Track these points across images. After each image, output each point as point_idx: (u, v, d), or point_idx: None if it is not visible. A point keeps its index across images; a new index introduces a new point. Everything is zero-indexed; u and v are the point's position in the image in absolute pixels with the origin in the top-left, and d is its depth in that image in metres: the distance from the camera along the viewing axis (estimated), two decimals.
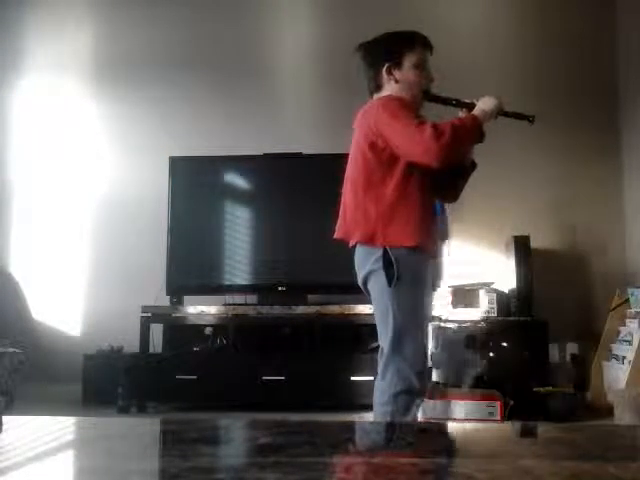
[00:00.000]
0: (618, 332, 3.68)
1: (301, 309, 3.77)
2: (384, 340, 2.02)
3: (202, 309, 3.88)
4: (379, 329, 2.05)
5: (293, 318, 3.81)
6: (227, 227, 4.14)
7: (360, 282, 2.12)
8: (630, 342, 3.48)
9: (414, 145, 1.99)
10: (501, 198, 4.26)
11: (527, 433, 0.95)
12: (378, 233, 2.01)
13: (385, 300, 2.01)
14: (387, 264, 1.99)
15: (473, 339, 3.56)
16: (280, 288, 3.96)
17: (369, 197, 2.05)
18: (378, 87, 2.16)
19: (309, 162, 4.10)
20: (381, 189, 2.04)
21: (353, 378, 3.53)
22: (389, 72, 2.12)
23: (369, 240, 2.03)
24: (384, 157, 2.04)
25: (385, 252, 2.00)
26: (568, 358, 4.02)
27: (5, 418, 0.84)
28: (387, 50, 2.14)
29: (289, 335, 3.92)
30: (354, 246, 2.10)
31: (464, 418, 3.31)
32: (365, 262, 2.05)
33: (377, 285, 2.03)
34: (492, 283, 3.94)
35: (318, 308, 3.78)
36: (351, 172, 2.13)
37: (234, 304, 4.00)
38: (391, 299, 2.00)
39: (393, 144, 2.02)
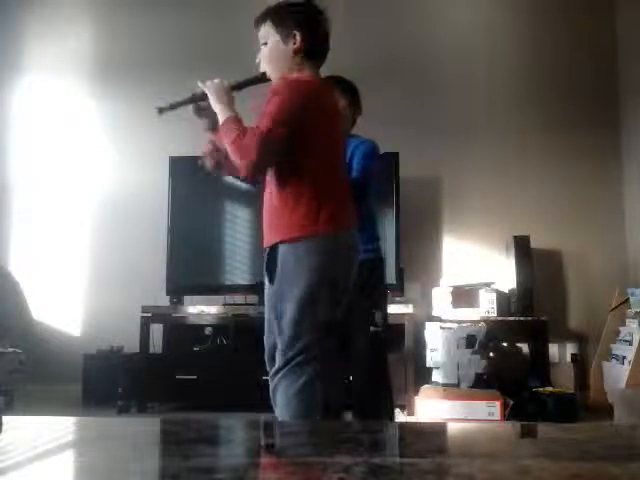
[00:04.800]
0: (618, 332, 3.68)
1: None
2: None
3: (202, 309, 3.88)
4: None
5: None
6: (227, 227, 4.13)
7: None
8: (630, 342, 3.48)
9: None
10: (501, 198, 4.26)
11: (527, 433, 0.95)
12: None
13: None
14: None
15: (473, 339, 3.56)
16: None
17: None
18: None
19: None
20: None
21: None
22: None
23: None
24: None
25: None
26: (568, 358, 4.02)
27: (5, 418, 0.84)
28: None
29: None
30: None
31: (464, 418, 3.31)
32: None
33: None
34: (492, 283, 3.94)
35: None
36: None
37: (234, 304, 3.99)
38: None
39: None
